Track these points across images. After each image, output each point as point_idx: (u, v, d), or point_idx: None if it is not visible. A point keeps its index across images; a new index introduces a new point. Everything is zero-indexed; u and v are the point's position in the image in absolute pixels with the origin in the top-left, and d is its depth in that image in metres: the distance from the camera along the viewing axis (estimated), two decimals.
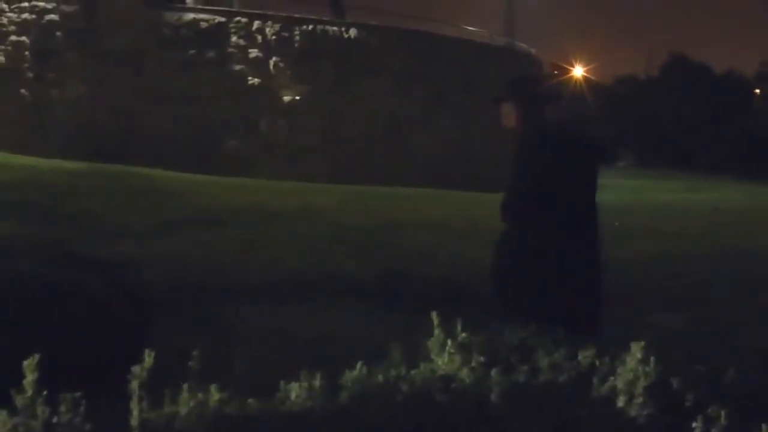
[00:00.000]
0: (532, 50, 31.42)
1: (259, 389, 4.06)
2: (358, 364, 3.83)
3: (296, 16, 23.34)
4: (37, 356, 3.26)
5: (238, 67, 22.09)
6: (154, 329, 8.42)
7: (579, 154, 6.91)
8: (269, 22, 22.53)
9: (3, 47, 20.74)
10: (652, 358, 4.01)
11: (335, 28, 23.25)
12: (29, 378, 3.24)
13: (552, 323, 4.89)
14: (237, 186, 19.06)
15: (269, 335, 8.99)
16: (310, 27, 22.95)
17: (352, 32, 23.23)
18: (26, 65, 20.95)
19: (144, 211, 15.38)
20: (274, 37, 22.48)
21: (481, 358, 4.13)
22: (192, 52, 21.88)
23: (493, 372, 3.93)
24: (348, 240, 14.12)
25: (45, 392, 3.26)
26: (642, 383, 3.93)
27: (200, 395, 3.43)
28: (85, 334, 7.21)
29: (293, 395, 3.56)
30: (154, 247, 12.66)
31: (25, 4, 20.99)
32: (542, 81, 7.40)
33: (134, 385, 3.40)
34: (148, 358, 3.44)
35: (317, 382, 3.58)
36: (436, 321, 4.15)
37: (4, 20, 20.77)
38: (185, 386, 3.50)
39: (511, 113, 6.98)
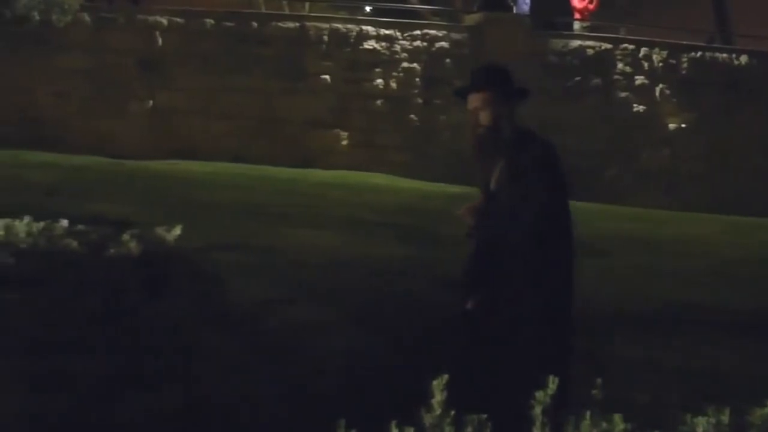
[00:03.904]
0: None
1: (657, 421, 3.98)
2: None
3: (684, 42, 22.89)
4: (445, 377, 3.31)
5: (623, 95, 21.90)
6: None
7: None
8: (656, 49, 22.20)
9: (395, 74, 21.42)
10: None
11: (724, 55, 22.61)
12: (438, 398, 3.30)
13: None
14: (613, 214, 18.86)
15: (655, 366, 8.87)
16: (698, 54, 22.45)
17: (743, 59, 22.53)
18: (415, 91, 21.56)
19: None
20: (660, 64, 22.14)
21: None
22: (577, 79, 21.88)
23: None
24: (728, 273, 13.69)
25: (453, 412, 3.32)
26: None
27: (604, 424, 3.39)
28: (477, 357, 7.29)
29: (699, 429, 3.46)
30: None
31: (417, 32, 21.63)
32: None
33: (537, 410, 3.40)
34: (552, 384, 3.44)
35: (725, 418, 3.47)
36: None
37: (397, 47, 21.46)
38: (587, 414, 3.48)
39: (481, 107, 5.80)
